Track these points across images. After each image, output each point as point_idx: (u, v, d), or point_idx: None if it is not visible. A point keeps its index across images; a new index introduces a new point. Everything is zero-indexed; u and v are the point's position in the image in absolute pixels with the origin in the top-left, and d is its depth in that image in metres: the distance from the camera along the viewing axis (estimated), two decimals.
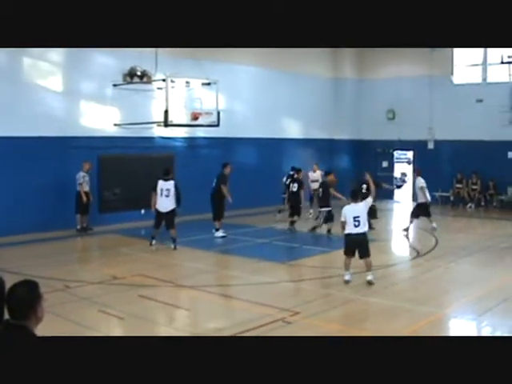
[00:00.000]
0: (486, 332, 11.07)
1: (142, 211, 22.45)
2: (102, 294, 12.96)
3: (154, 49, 20.57)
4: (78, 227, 20.63)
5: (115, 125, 21.82)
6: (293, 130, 29.62)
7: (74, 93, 21.02)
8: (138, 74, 21.10)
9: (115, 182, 21.93)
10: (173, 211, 17.84)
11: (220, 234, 19.63)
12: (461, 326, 11.56)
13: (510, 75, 28.15)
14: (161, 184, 17.77)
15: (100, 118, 21.58)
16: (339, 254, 17.12)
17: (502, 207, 27.89)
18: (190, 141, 24.72)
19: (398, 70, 30.94)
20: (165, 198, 17.67)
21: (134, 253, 17.66)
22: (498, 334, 10.91)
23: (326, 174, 22.00)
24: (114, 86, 21.28)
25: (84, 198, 20.35)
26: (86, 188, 20.47)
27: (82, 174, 20.32)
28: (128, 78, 21.17)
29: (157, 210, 17.88)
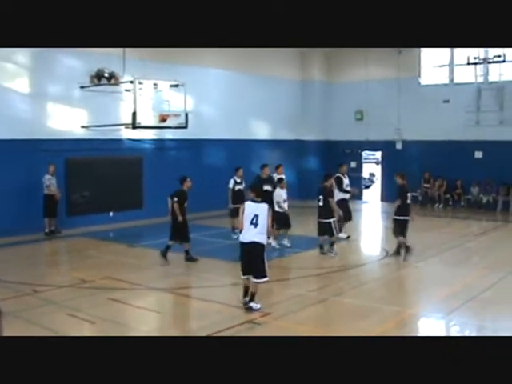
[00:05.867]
0: (455, 331, 11.18)
1: (111, 214, 22.37)
2: (70, 298, 12.86)
3: (121, 50, 20.45)
4: (47, 230, 20.46)
5: (83, 127, 21.64)
6: (261, 131, 29.64)
7: (41, 95, 20.81)
8: (106, 75, 20.96)
9: (83, 185, 21.74)
10: None
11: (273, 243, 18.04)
12: (429, 325, 11.65)
13: (476, 76, 28.43)
14: None
15: (67, 121, 21.39)
16: (309, 255, 17.22)
17: (470, 206, 28.19)
18: (159, 143, 24.64)
19: (365, 72, 31.11)
20: None
21: (103, 256, 17.56)
22: (466, 332, 11.05)
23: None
24: (82, 87, 21.10)
25: (54, 199, 20.29)
26: (53, 190, 20.31)
27: (47, 176, 20.18)
28: (95, 80, 21.02)
29: None
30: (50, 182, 20.25)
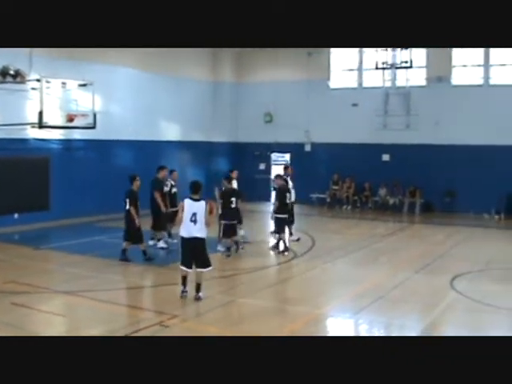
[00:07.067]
0: (362, 329, 11.36)
1: (16, 215, 21.78)
2: None
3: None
4: None
5: None
6: (171, 132, 29.47)
7: None
8: (11, 73, 20.33)
9: None
10: None
11: (161, 244, 18.41)
12: (337, 324, 11.80)
13: (384, 81, 29.11)
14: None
15: None
16: (217, 257, 17.15)
17: (377, 208, 28.78)
18: (67, 143, 24.12)
19: (276, 74, 31.41)
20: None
21: (7, 259, 17.06)
22: (374, 330, 11.24)
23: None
24: None
25: None
26: None
27: None
28: (0, 78, 20.42)
29: None
30: None
